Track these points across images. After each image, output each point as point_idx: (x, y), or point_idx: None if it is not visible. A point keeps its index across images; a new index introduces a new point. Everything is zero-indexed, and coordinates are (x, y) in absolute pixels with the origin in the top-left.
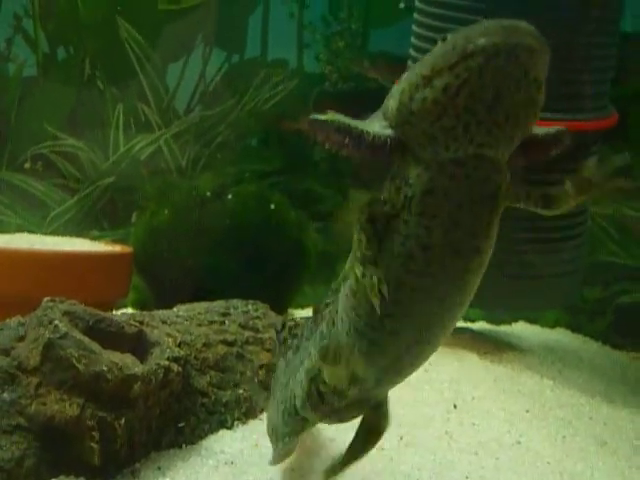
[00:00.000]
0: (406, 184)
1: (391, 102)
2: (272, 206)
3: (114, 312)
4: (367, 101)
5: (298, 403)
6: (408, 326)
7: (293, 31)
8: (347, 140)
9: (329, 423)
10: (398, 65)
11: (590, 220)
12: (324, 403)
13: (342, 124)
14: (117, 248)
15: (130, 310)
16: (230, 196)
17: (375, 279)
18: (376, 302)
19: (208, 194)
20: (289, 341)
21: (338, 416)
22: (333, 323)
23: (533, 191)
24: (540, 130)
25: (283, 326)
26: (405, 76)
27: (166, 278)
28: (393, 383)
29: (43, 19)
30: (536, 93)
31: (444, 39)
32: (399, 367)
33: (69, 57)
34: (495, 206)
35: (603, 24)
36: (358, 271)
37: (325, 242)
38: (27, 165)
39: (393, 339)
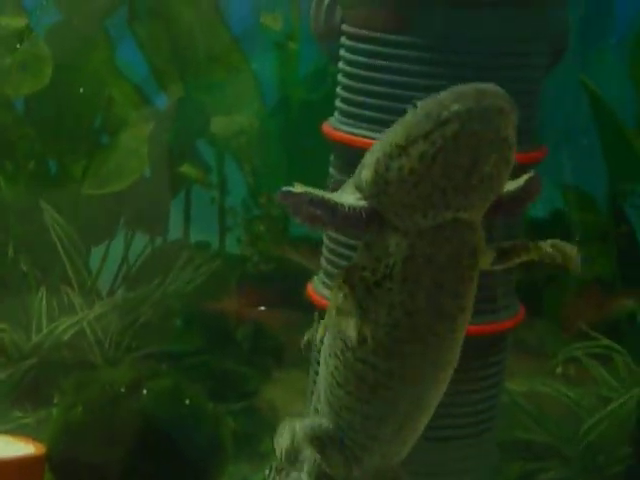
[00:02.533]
0: (386, 253)
1: (365, 173)
2: (187, 401)
3: None
4: (288, 282)
5: None
6: (403, 395)
7: (215, 215)
8: (321, 212)
9: None
10: (318, 249)
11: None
12: None
13: (316, 196)
14: (30, 448)
15: None
16: (145, 392)
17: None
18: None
19: (122, 390)
20: None
21: None
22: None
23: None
24: (511, 184)
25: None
26: (378, 146)
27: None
28: (400, 453)
29: None
30: (508, 153)
31: (415, 106)
32: (402, 436)
33: None
34: (474, 264)
35: None
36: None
37: (247, 422)
38: None
39: (390, 409)
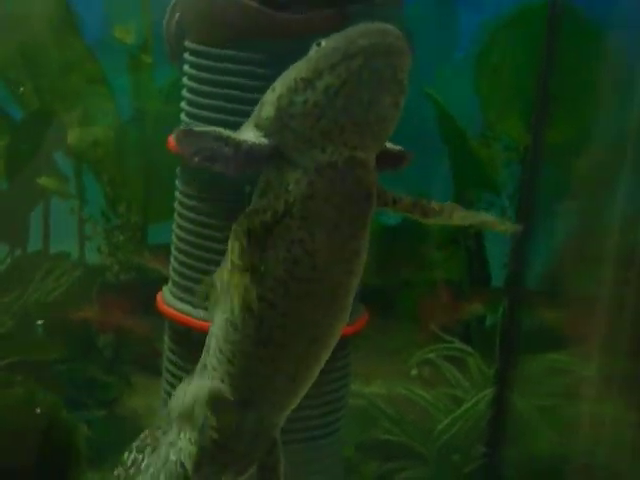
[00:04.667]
0: (285, 191)
1: (266, 109)
2: (38, 410)
3: None
4: (148, 290)
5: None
6: (300, 336)
7: (74, 225)
8: (225, 150)
9: None
10: None
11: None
12: (225, 452)
13: (219, 133)
14: None
15: None
16: None
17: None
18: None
19: None
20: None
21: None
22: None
23: (403, 197)
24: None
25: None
26: (278, 84)
27: None
28: (291, 403)
29: None
30: (400, 96)
31: (319, 44)
32: (295, 384)
33: None
34: (369, 207)
35: None
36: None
37: (108, 430)
38: None
39: (286, 351)
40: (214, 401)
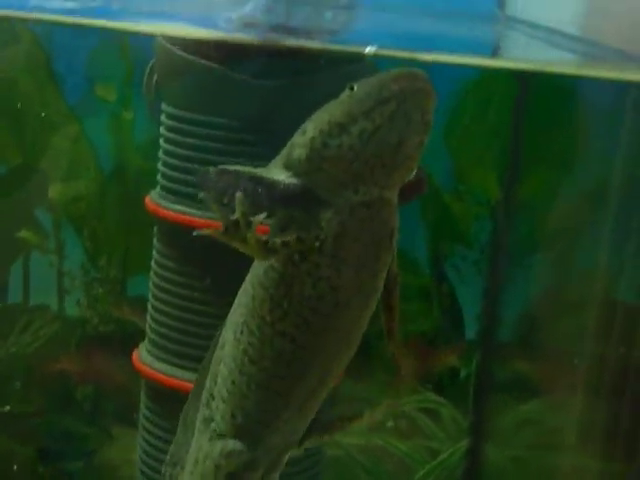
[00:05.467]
0: (317, 228)
1: (298, 151)
2: (15, 467)
3: None
4: (127, 343)
5: None
6: (314, 369)
7: (53, 278)
8: (259, 190)
9: None
10: None
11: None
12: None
13: (254, 173)
14: None
15: None
16: None
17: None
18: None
19: None
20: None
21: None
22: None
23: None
24: None
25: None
26: (312, 126)
27: None
28: (298, 432)
29: None
30: (425, 136)
31: (352, 88)
32: (302, 414)
33: None
34: (392, 245)
35: None
36: (264, 317)
37: (90, 476)
38: None
39: (301, 384)
40: (228, 463)
